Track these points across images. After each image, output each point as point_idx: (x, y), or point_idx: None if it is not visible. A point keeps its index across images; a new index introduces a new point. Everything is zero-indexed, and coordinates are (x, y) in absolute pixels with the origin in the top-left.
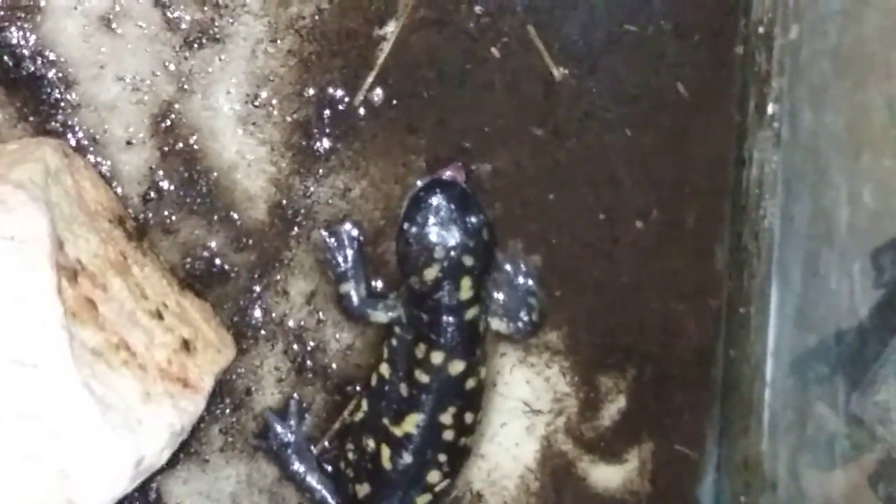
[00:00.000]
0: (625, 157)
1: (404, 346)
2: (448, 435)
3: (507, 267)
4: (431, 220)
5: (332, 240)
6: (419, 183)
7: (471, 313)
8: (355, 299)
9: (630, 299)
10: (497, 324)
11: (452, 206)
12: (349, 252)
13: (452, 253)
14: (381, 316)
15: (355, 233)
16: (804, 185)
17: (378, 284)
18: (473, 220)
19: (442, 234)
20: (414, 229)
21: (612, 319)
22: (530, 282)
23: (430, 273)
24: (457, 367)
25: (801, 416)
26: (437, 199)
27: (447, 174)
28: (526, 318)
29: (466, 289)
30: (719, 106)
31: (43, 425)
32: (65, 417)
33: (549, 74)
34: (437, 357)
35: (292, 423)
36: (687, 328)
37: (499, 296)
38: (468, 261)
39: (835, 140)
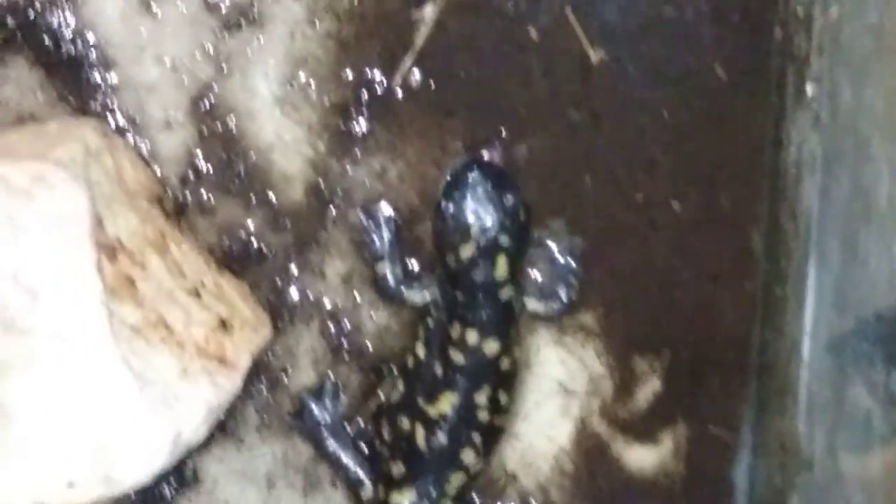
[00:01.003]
0: (662, 140)
1: (440, 326)
2: (482, 415)
3: (551, 243)
4: (468, 198)
5: (369, 220)
6: (458, 162)
7: (506, 293)
8: (391, 280)
9: (666, 281)
10: (533, 304)
11: (490, 185)
12: (385, 232)
13: (488, 231)
14: (416, 296)
15: (392, 213)
16: (843, 164)
17: (414, 266)
18: (510, 199)
19: (479, 212)
20: (451, 207)
21: (648, 301)
22: (571, 260)
23: (466, 251)
24: (492, 346)
25: (838, 395)
26: (474, 178)
27: (485, 154)
28: (564, 297)
29: (502, 268)
30: (757, 88)
31: (82, 401)
32: (104, 393)
33: (586, 57)
34: (472, 337)
35: (328, 402)
36: (723, 310)
37: (535, 275)
38: (504, 240)
39: (875, 118)
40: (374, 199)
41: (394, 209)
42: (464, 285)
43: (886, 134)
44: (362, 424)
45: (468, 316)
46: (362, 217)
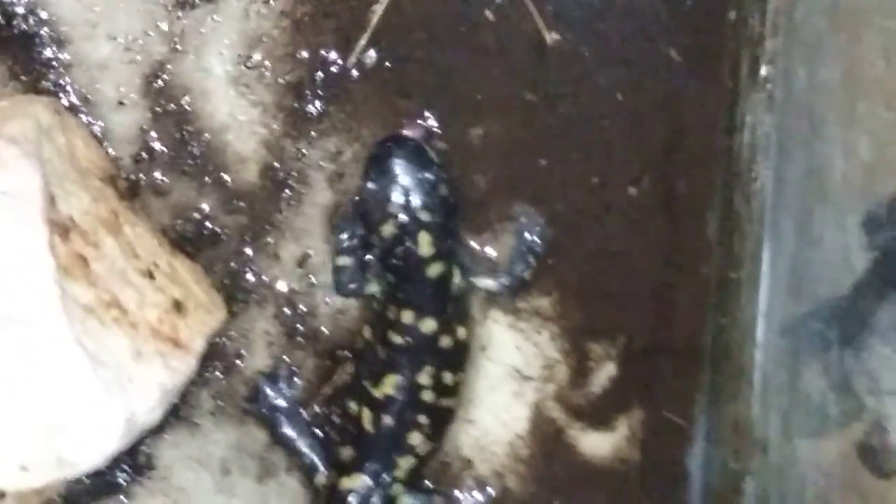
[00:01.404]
0: (617, 123)
1: (380, 309)
2: (427, 396)
3: (522, 219)
4: (386, 176)
5: (352, 211)
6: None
7: (435, 270)
8: (346, 275)
9: (621, 266)
10: (483, 282)
11: (406, 162)
12: (358, 229)
13: (408, 208)
14: (372, 287)
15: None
16: (798, 144)
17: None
18: (428, 175)
19: (395, 190)
20: (370, 185)
21: (603, 286)
22: (537, 240)
23: (387, 230)
24: (428, 325)
25: (792, 378)
26: (390, 156)
27: (404, 131)
28: (517, 273)
29: (426, 244)
30: (711, 71)
31: (34, 381)
32: (56, 373)
33: (541, 39)
34: (407, 316)
35: (283, 387)
36: (678, 295)
37: (487, 252)
38: (424, 216)
39: (829, 95)
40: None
41: (348, 191)
42: (391, 265)
43: (840, 113)
44: (317, 409)
45: (399, 295)
46: (350, 205)
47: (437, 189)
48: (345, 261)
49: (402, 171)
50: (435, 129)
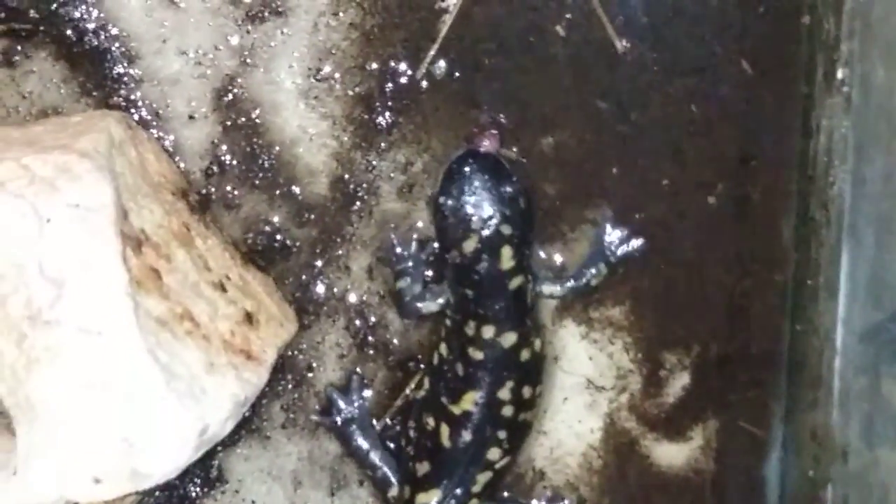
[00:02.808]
0: (689, 130)
1: (456, 326)
2: (507, 411)
3: (604, 227)
4: (466, 191)
5: (397, 241)
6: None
7: (515, 283)
8: (407, 297)
9: (694, 274)
10: (549, 288)
11: (486, 177)
12: (413, 250)
13: (489, 223)
14: (432, 305)
15: (422, 238)
16: (877, 146)
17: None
18: (509, 188)
19: (477, 204)
20: (450, 202)
21: (677, 294)
22: (614, 251)
23: (469, 245)
24: (509, 338)
25: (873, 383)
26: (470, 171)
27: (481, 145)
28: (585, 279)
29: (507, 258)
30: (785, 77)
31: (108, 393)
32: (130, 385)
33: (612, 46)
34: (487, 331)
35: (355, 399)
36: (752, 303)
37: (559, 259)
38: (506, 230)
39: None
40: (406, 232)
41: (416, 203)
42: (472, 280)
43: None
44: (388, 422)
45: (480, 311)
46: (393, 238)
47: (517, 201)
48: (404, 283)
49: (482, 187)
50: (505, 139)
